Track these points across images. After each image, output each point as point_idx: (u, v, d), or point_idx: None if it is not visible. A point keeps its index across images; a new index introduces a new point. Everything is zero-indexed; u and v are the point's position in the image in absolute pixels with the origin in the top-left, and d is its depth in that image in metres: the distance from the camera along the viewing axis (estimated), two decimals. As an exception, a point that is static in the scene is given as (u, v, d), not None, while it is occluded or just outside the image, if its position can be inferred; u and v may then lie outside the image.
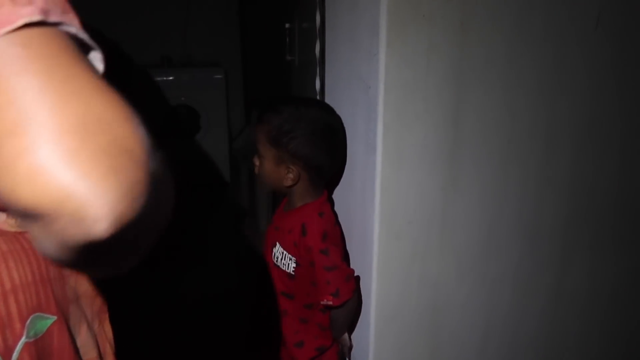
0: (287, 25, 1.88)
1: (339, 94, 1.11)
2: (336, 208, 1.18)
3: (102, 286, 0.73)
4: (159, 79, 3.36)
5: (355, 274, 1.14)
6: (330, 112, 1.05)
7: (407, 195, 1.03)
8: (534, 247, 1.23)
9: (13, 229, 0.59)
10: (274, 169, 1.02)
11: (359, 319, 1.15)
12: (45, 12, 0.33)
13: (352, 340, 1.17)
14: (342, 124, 1.06)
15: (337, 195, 1.18)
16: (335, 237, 1.04)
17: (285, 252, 1.04)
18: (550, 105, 1.11)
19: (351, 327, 1.16)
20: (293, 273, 1.04)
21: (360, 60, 1.00)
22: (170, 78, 3.37)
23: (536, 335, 1.34)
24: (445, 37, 0.95)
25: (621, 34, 1.10)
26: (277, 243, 1.06)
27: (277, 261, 1.07)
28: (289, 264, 1.04)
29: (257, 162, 1.05)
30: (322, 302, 1.02)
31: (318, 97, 1.30)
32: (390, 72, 0.93)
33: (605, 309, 1.40)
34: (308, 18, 1.63)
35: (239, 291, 2.25)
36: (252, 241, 2.90)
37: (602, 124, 1.18)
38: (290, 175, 1.00)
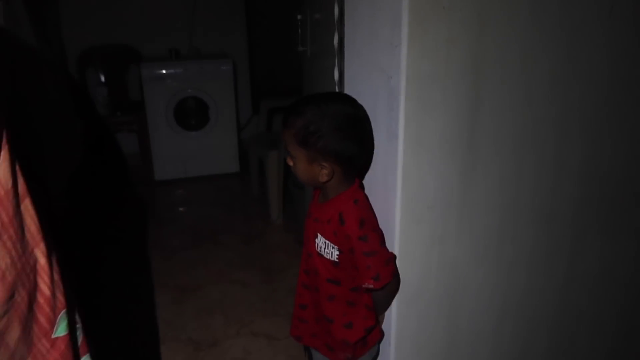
0: (298, 17, 1.90)
1: (359, 84, 1.14)
2: (357, 195, 1.23)
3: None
4: (167, 71, 3.39)
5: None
6: (351, 102, 1.08)
7: (427, 181, 1.07)
8: (548, 231, 1.27)
9: None
10: (307, 167, 1.05)
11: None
12: None
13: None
14: (364, 111, 1.09)
15: (358, 182, 1.22)
16: (372, 223, 1.07)
17: (327, 241, 1.08)
18: (564, 92, 1.14)
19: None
20: (337, 260, 1.09)
21: (380, 52, 1.03)
22: (179, 70, 3.40)
23: (549, 315, 1.38)
24: (463, 28, 0.98)
25: (634, 21, 1.13)
26: (319, 234, 1.10)
27: (320, 251, 1.11)
28: (332, 252, 1.08)
29: (290, 163, 1.08)
30: (363, 286, 1.07)
31: (337, 87, 1.33)
32: (412, 63, 0.96)
33: (615, 290, 1.44)
34: (322, 9, 1.66)
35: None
36: (262, 228, 2.95)
37: (614, 111, 1.22)
38: (325, 172, 1.03)
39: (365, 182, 1.18)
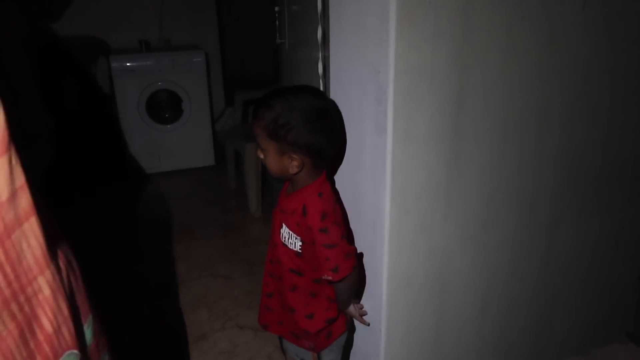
0: (276, 9, 1.90)
1: (346, 78, 1.16)
2: (345, 186, 1.25)
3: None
4: (137, 64, 3.32)
5: (362, 250, 1.22)
6: (319, 96, 1.10)
7: (415, 173, 1.11)
8: (528, 216, 1.33)
9: None
10: (277, 160, 1.07)
11: (373, 288, 1.23)
12: None
13: (363, 307, 1.25)
14: (334, 104, 1.12)
15: (346, 174, 1.24)
16: (335, 216, 1.09)
17: (290, 232, 1.11)
18: (543, 83, 1.19)
19: (357, 298, 1.24)
20: (300, 251, 1.11)
21: (368, 46, 1.05)
22: (150, 63, 3.33)
23: (530, 295, 1.45)
24: (448, 22, 1.01)
25: (605, 14, 1.18)
26: (283, 224, 1.13)
27: (284, 241, 1.13)
28: (295, 243, 1.11)
29: (261, 155, 1.10)
30: (323, 277, 1.09)
31: (321, 81, 1.35)
32: (400, 57, 0.99)
33: (588, 268, 1.52)
34: (301, 1, 1.67)
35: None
36: (241, 221, 2.95)
37: (588, 99, 1.27)
38: (295, 163, 1.06)
39: (353, 174, 1.20)
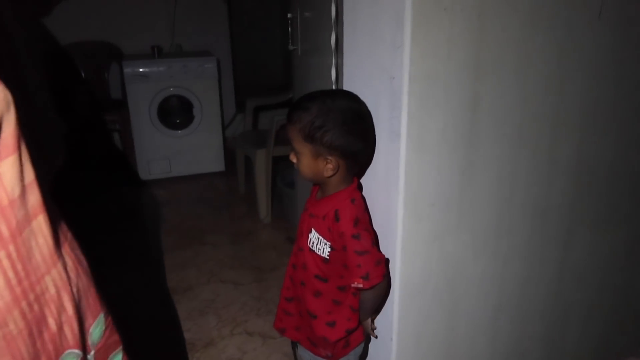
0: (289, 15, 1.90)
1: (359, 84, 1.16)
2: (358, 193, 1.24)
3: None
4: (150, 69, 3.35)
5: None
6: (355, 99, 1.10)
7: (428, 180, 1.09)
8: (541, 226, 1.31)
9: None
10: (312, 163, 1.06)
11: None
12: None
13: (374, 323, 1.23)
14: (367, 108, 1.10)
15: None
16: (365, 223, 1.09)
17: (320, 237, 1.10)
18: (558, 91, 1.17)
19: (377, 310, 1.23)
20: (327, 257, 1.10)
21: (382, 52, 1.04)
22: (162, 68, 3.36)
23: (543, 307, 1.42)
24: (464, 28, 1.00)
25: (622, 23, 1.17)
26: (313, 229, 1.12)
27: (312, 246, 1.12)
28: (323, 249, 1.10)
29: (294, 159, 1.09)
30: (352, 285, 1.08)
31: (334, 86, 1.34)
32: (414, 63, 0.98)
33: (603, 280, 1.49)
34: (315, 8, 1.67)
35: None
36: (251, 227, 2.95)
37: (603, 107, 1.26)
38: (330, 166, 1.05)
39: (366, 180, 1.19)
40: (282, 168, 3.08)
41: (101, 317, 0.73)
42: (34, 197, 0.58)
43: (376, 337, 1.22)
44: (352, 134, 1.04)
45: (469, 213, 1.18)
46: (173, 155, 3.51)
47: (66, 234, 0.69)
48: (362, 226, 1.06)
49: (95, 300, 0.72)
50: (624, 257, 1.50)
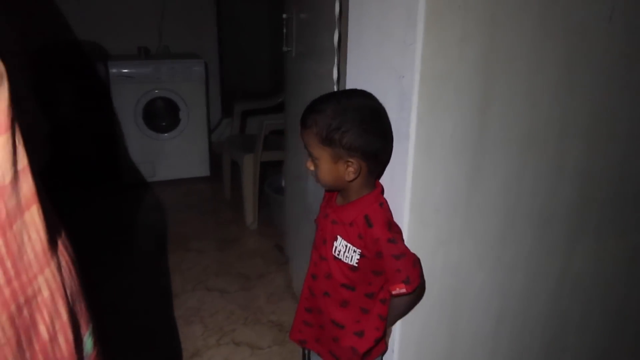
0: (284, 16, 1.86)
1: (365, 83, 1.11)
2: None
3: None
4: (136, 70, 3.27)
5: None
6: (369, 96, 1.04)
7: (435, 184, 1.05)
8: (545, 234, 1.28)
9: None
10: (332, 167, 1.00)
11: (385, 307, 1.17)
12: None
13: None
14: (382, 105, 1.06)
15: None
16: (397, 225, 1.05)
17: (349, 244, 1.04)
18: (566, 97, 1.15)
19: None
20: (356, 265, 1.04)
21: (391, 50, 1.01)
22: (149, 70, 3.28)
23: (542, 318, 1.39)
24: (477, 28, 0.97)
25: (633, 27, 1.15)
26: (339, 236, 1.06)
27: (338, 254, 1.06)
28: (352, 257, 1.04)
29: (311, 167, 1.03)
30: (393, 292, 1.02)
31: (335, 87, 1.30)
32: (426, 62, 0.94)
33: (601, 291, 1.47)
34: (314, 7, 1.63)
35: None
36: (237, 233, 2.88)
37: (610, 115, 1.23)
38: (352, 169, 0.99)
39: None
40: (269, 174, 3.02)
41: (92, 326, 0.67)
42: (27, 185, 0.52)
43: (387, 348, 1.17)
44: (371, 132, 0.99)
45: (474, 220, 1.14)
46: (158, 158, 3.43)
47: (59, 230, 0.62)
48: (395, 229, 1.02)
49: (85, 306, 0.65)
50: (624, 267, 1.48)
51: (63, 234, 0.63)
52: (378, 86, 1.06)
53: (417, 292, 1.06)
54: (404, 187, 1.03)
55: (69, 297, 0.59)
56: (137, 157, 3.38)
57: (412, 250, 1.08)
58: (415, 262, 1.04)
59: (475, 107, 1.03)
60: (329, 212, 1.10)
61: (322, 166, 1.00)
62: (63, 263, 0.59)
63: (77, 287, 0.62)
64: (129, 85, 3.23)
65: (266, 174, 2.95)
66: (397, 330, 1.14)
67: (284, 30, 1.92)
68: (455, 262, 1.16)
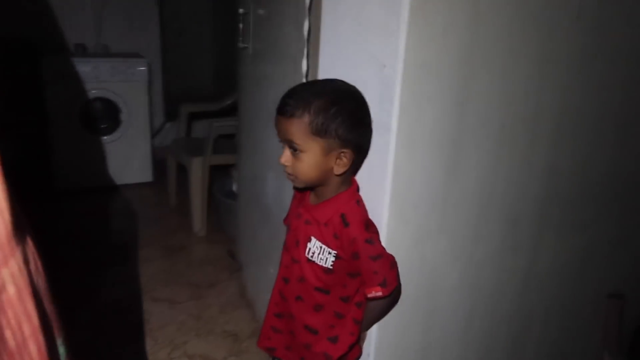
0: (240, 11, 1.78)
1: (341, 74, 1.06)
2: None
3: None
4: (73, 69, 3.05)
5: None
6: (351, 85, 0.98)
7: (415, 179, 1.02)
8: (513, 231, 1.28)
9: None
10: (322, 160, 0.92)
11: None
12: None
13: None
14: None
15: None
16: (373, 225, 1.00)
17: (323, 246, 0.97)
18: (536, 92, 1.16)
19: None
20: (331, 267, 0.98)
21: (372, 39, 0.97)
22: (87, 68, 3.07)
23: (509, 315, 1.39)
24: (460, 18, 0.95)
25: (600, 24, 1.18)
26: (313, 237, 0.99)
27: (312, 256, 1.00)
28: (327, 259, 0.97)
29: (287, 162, 0.94)
30: (369, 295, 0.96)
31: (304, 79, 1.24)
32: (410, 51, 0.91)
33: (560, 286, 1.49)
34: (274, 1, 1.57)
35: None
36: (184, 240, 2.74)
37: (572, 113, 1.26)
38: (343, 161, 0.93)
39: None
40: (216, 178, 2.91)
41: (63, 335, 0.56)
42: None
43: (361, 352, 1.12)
44: (363, 123, 0.94)
45: (449, 217, 1.12)
46: (97, 163, 3.21)
47: (23, 218, 0.52)
48: (372, 228, 0.97)
49: (55, 310, 0.55)
50: (580, 263, 1.51)
51: (26, 221, 0.53)
52: (356, 77, 1.02)
53: (394, 295, 1.02)
54: (384, 182, 0.99)
55: (38, 297, 0.49)
56: (73, 161, 3.14)
57: (391, 248, 1.04)
58: (393, 264, 0.99)
59: (455, 100, 1.01)
60: (302, 212, 1.04)
61: (307, 160, 0.92)
62: (30, 256, 0.49)
63: (45, 286, 0.52)
64: (65, 85, 3.01)
65: (213, 179, 2.84)
66: (374, 333, 1.09)
67: (240, 26, 1.85)
68: (431, 260, 1.13)
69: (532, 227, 1.31)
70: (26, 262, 0.47)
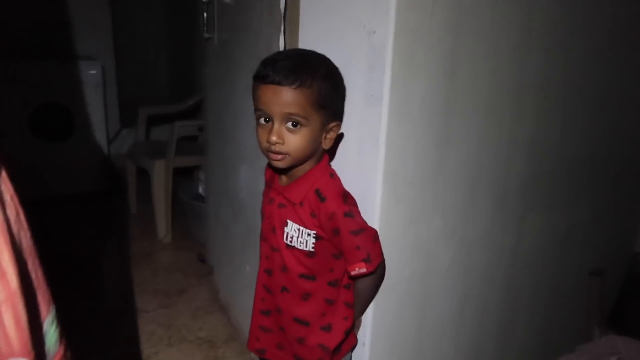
0: (204, 0, 1.70)
1: (324, 45, 1.00)
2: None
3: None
4: (20, 72, 2.86)
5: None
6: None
7: (408, 154, 0.97)
8: (501, 210, 1.25)
9: None
10: (319, 135, 0.87)
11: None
12: None
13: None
14: None
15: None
16: (352, 197, 0.93)
17: (301, 228, 0.90)
18: (520, 65, 1.13)
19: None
20: (312, 250, 0.91)
21: (359, 4, 0.91)
22: (36, 72, 2.89)
23: (498, 297, 1.36)
24: (448, -19, 0.91)
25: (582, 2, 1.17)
26: (289, 221, 0.92)
27: (290, 242, 0.92)
28: (307, 241, 0.91)
29: (280, 139, 0.85)
30: (352, 273, 0.90)
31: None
32: (400, 15, 0.86)
33: (544, 266, 1.48)
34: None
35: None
36: (149, 248, 2.60)
37: (552, 90, 1.25)
38: (331, 135, 0.88)
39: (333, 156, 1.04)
40: (181, 183, 2.78)
41: (54, 312, 0.46)
42: None
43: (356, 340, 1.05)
44: (344, 93, 0.90)
45: (442, 194, 1.08)
46: (48, 172, 3.01)
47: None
48: (351, 200, 0.90)
49: (43, 277, 0.44)
50: (562, 242, 1.51)
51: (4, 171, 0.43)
52: (342, 46, 0.96)
53: (379, 271, 0.95)
54: (377, 157, 0.93)
55: (20, 253, 0.39)
56: (24, 170, 2.92)
57: (385, 228, 0.98)
58: (375, 237, 0.93)
59: (445, 69, 0.97)
60: (273, 196, 0.96)
61: (307, 134, 0.85)
62: (7, 199, 0.39)
63: (30, 244, 0.42)
64: (11, 89, 2.81)
65: (177, 184, 2.71)
66: (369, 321, 1.03)
67: (205, 15, 1.76)
68: (425, 240, 1.08)
69: (517, 206, 1.29)
70: (1, 204, 0.38)
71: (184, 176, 2.93)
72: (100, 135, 3.17)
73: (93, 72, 3.05)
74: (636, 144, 1.66)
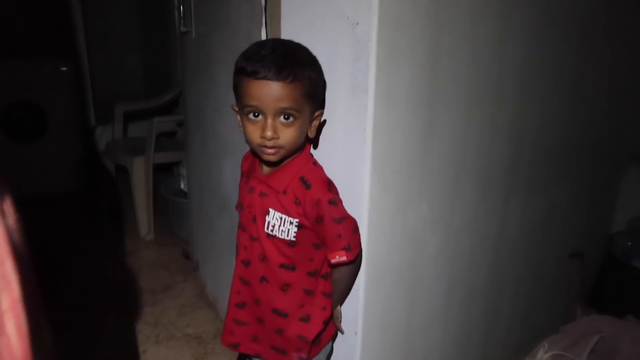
0: (180, -7, 1.67)
1: (307, 37, 0.99)
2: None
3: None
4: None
5: None
6: None
7: (394, 143, 0.98)
8: (484, 196, 1.27)
9: None
10: (306, 125, 0.88)
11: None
12: None
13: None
14: None
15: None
16: (334, 186, 0.94)
17: (284, 216, 0.90)
18: (499, 54, 1.15)
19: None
20: (294, 239, 0.91)
21: (341, -4, 0.91)
22: (5, 69, 2.81)
23: (483, 283, 1.39)
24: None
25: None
26: (271, 209, 0.92)
27: (272, 231, 0.92)
28: (289, 230, 0.91)
29: (276, 134, 0.84)
30: (332, 261, 0.91)
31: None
32: (383, 5, 0.86)
33: (527, 250, 1.52)
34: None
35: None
36: (131, 246, 2.57)
37: (530, 76, 1.27)
38: (315, 123, 0.90)
39: (322, 144, 1.04)
40: (161, 179, 2.75)
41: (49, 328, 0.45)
42: None
43: (343, 332, 1.06)
44: (325, 80, 0.91)
45: (428, 182, 1.09)
46: (21, 172, 2.94)
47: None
48: (334, 189, 0.92)
49: (36, 281, 0.44)
50: (543, 225, 1.54)
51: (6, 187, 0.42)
52: (326, 37, 0.96)
53: (358, 261, 0.97)
54: (364, 147, 0.93)
55: (21, 261, 0.38)
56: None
57: (374, 217, 0.99)
58: (356, 227, 0.95)
59: (428, 57, 0.98)
60: (254, 185, 0.96)
61: (299, 126, 0.86)
62: (7, 208, 0.39)
63: (26, 251, 0.41)
64: (-20, 88, 2.74)
65: (157, 181, 2.68)
66: (360, 310, 1.04)
67: (181, 8, 1.73)
68: (412, 229, 1.09)
69: (500, 192, 1.31)
70: (2, 214, 0.37)
71: (163, 172, 2.90)
72: (74, 134, 3.11)
73: (64, 68, 2.98)
74: (610, 132, 1.71)
